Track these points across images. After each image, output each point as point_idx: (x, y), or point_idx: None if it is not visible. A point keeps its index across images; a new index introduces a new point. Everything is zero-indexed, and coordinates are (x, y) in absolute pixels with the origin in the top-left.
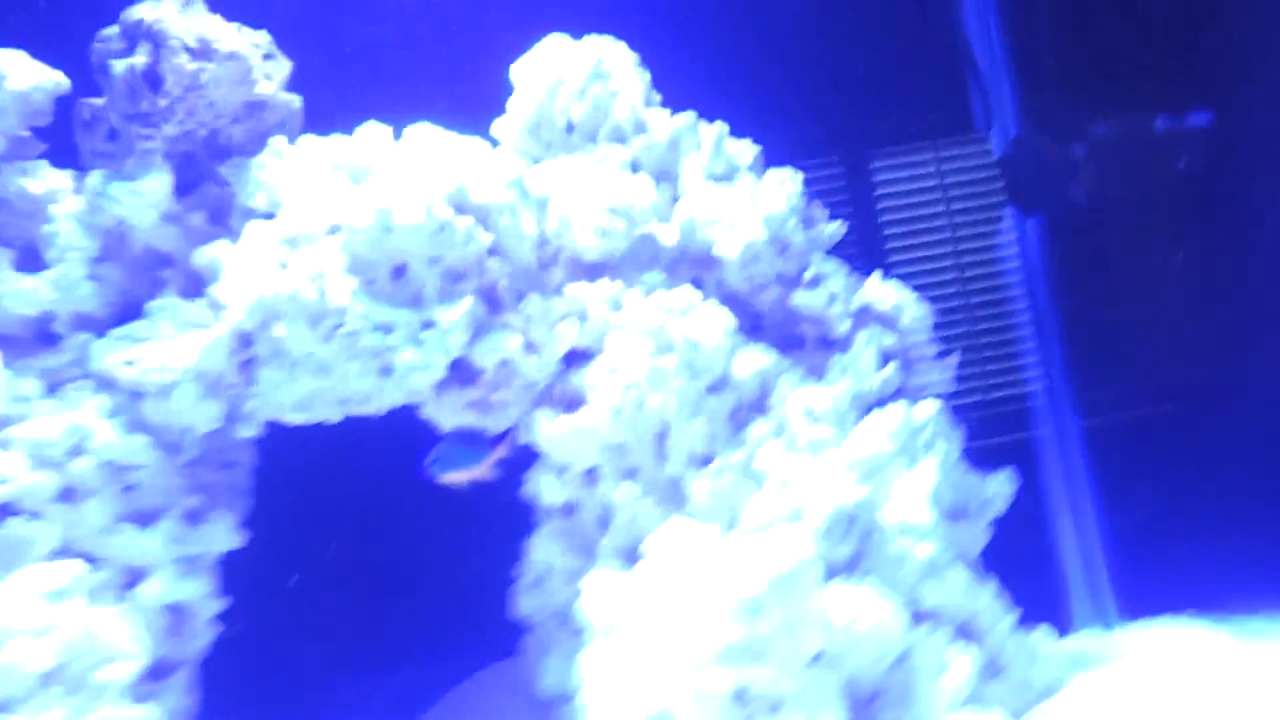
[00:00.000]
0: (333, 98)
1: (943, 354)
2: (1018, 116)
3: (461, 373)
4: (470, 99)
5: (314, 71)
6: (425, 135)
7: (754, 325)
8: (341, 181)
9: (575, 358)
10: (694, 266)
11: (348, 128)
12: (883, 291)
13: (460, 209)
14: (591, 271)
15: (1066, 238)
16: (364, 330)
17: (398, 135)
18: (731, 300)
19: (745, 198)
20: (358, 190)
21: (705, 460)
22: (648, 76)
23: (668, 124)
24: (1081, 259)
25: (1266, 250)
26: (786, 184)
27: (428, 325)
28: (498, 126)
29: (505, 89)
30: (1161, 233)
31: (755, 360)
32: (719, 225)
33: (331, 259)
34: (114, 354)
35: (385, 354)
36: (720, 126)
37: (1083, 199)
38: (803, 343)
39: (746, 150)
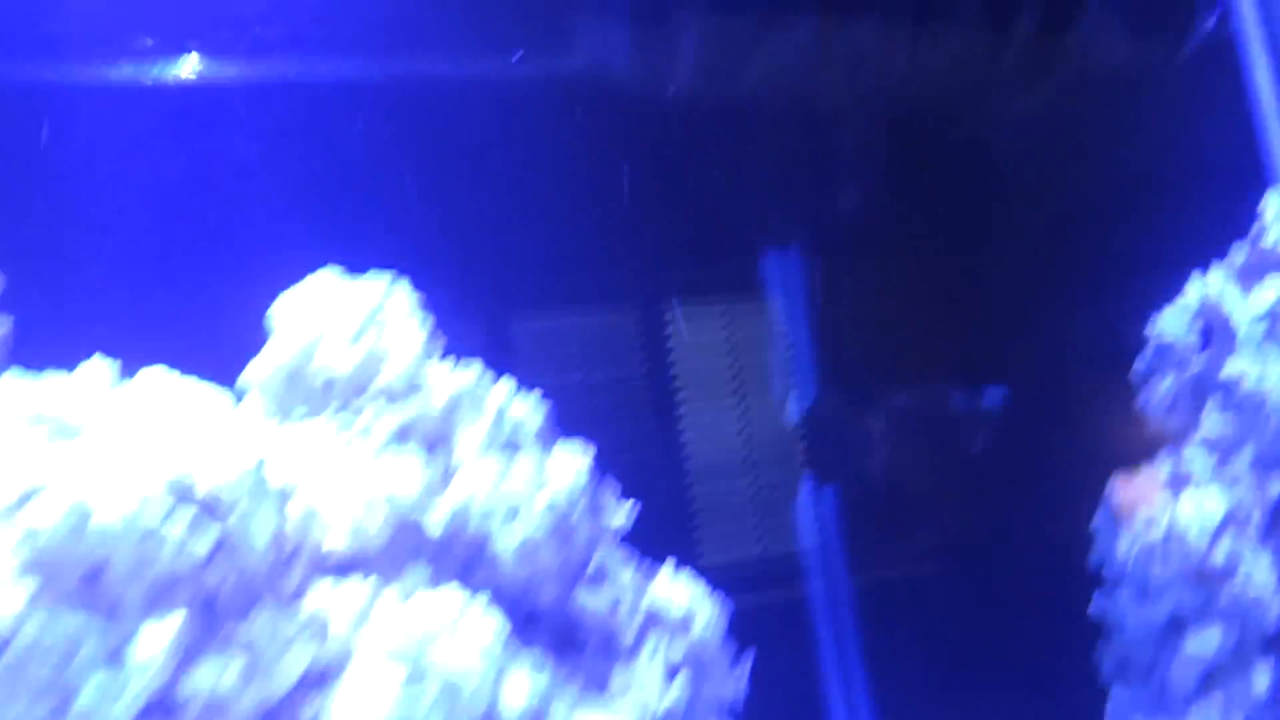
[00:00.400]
0: (57, 321)
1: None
2: (817, 382)
3: (164, 707)
4: (219, 336)
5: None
6: (156, 384)
7: (530, 625)
8: (39, 442)
9: (310, 684)
10: (464, 559)
11: (71, 360)
12: (673, 592)
13: (183, 497)
14: (341, 569)
15: (861, 508)
16: (40, 650)
17: (126, 373)
18: (505, 598)
19: (527, 477)
20: (55, 459)
21: None
22: (430, 322)
23: (447, 383)
24: (875, 528)
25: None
26: (574, 462)
27: (125, 644)
28: (247, 376)
29: (261, 329)
30: (952, 506)
31: (527, 685)
32: (495, 510)
33: (5, 553)
34: None
35: (66, 681)
36: (506, 388)
37: (880, 470)
38: (584, 646)
39: (532, 417)
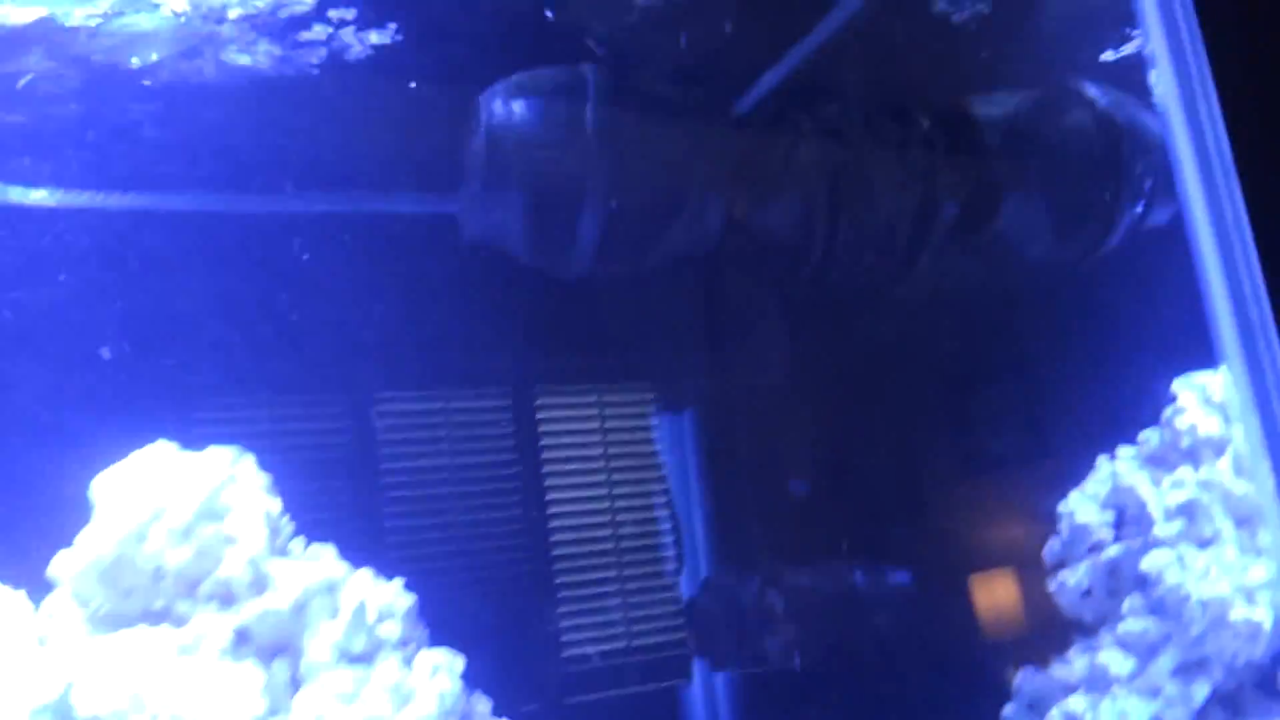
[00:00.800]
0: None
1: None
2: (711, 559)
3: None
4: (22, 515)
5: None
6: None
7: None
8: None
9: None
10: None
11: None
12: None
13: None
14: None
15: (758, 698)
16: None
17: None
18: None
19: (387, 691)
20: None
21: None
22: (278, 505)
23: (297, 576)
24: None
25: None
26: (441, 677)
27: None
28: (57, 567)
29: (83, 509)
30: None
31: None
32: None
33: None
34: None
35: None
36: (365, 579)
37: (778, 651)
38: None
39: (397, 612)
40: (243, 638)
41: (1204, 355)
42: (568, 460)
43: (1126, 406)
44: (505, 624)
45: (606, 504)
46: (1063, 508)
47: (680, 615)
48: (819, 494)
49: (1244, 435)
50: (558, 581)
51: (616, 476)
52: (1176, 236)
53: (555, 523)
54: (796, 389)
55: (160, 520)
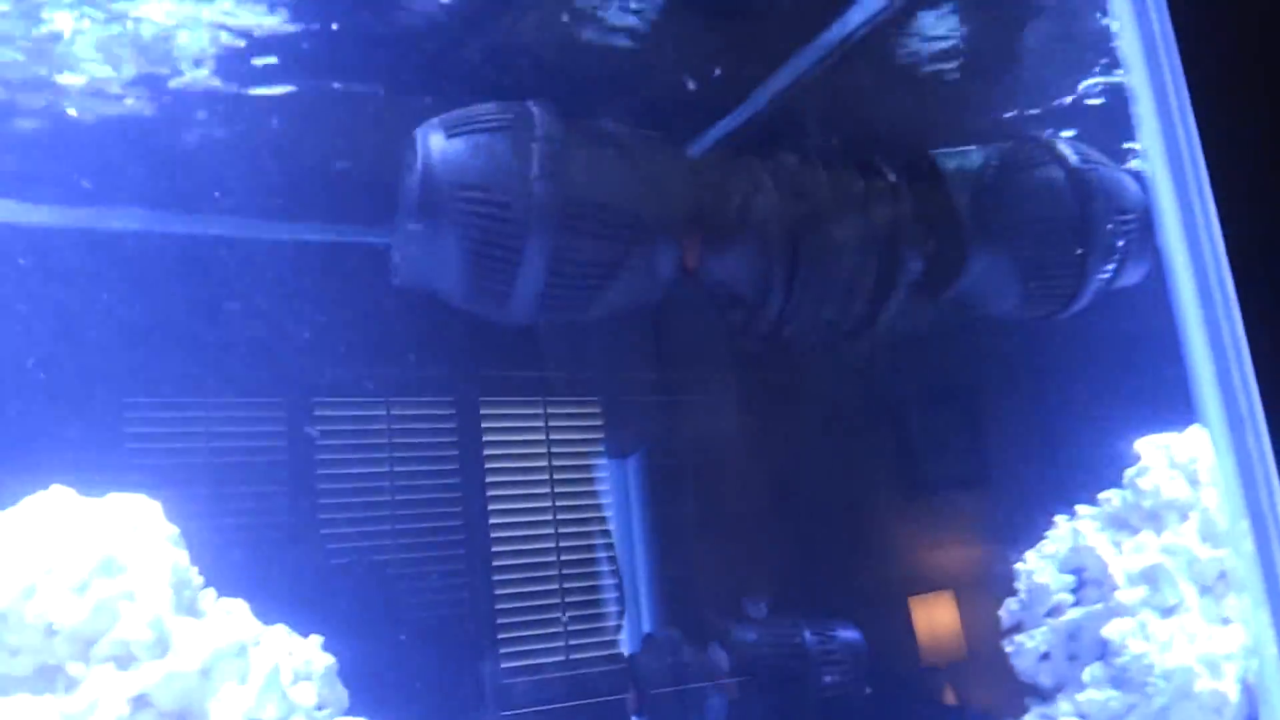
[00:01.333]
0: None
1: None
2: (654, 614)
3: None
4: None
5: None
6: None
7: None
8: None
9: None
10: None
11: None
12: None
13: None
14: None
15: None
16: None
17: None
18: None
19: None
20: None
21: None
22: (185, 557)
23: (203, 637)
24: None
25: None
26: None
27: None
28: None
29: None
30: None
31: None
32: None
33: None
34: None
35: None
36: (280, 636)
37: (722, 710)
38: None
39: (310, 687)
40: (141, 704)
41: (1168, 415)
42: (512, 511)
43: (1086, 465)
44: (437, 682)
45: (553, 557)
46: (1020, 567)
47: (621, 672)
48: (767, 548)
49: (1221, 497)
50: (496, 637)
51: (562, 530)
52: (1145, 295)
53: (496, 576)
54: (747, 442)
55: (53, 573)
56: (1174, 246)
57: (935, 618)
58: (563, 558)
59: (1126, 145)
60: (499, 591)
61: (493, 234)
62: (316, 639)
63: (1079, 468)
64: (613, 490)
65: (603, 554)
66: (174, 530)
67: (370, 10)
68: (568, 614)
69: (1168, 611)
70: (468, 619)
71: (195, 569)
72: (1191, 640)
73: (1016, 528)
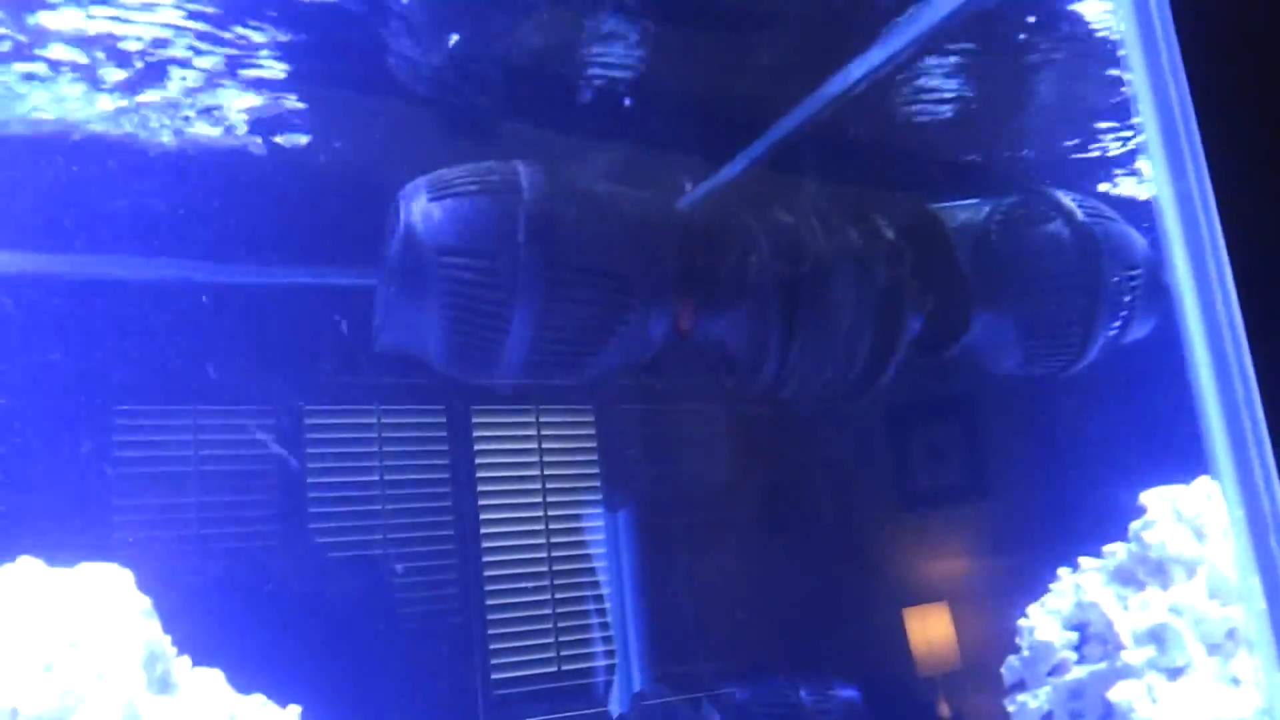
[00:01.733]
0: None
1: None
2: (644, 672)
3: None
4: None
5: None
6: None
7: None
8: None
9: None
10: None
11: None
12: None
13: None
14: None
15: None
16: None
17: None
18: None
19: None
20: None
21: None
22: (158, 630)
23: (176, 718)
24: None
25: None
26: None
27: None
28: None
29: None
30: None
31: None
32: None
33: None
34: None
35: None
36: (258, 713)
37: None
38: None
39: None
40: None
41: (1173, 468)
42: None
43: (1089, 517)
44: None
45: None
46: (1023, 623)
47: None
48: (762, 606)
49: (1232, 553)
50: (482, 697)
51: (558, 581)
52: (1152, 344)
53: (490, 630)
54: (740, 500)
55: (18, 654)
56: (1185, 296)
57: (935, 674)
58: (558, 608)
59: (1134, 197)
60: (494, 676)
61: (478, 300)
62: (294, 709)
63: (1080, 519)
64: (605, 547)
65: (593, 608)
66: (146, 602)
67: None
68: (560, 682)
69: (1174, 673)
70: (456, 675)
71: (169, 639)
72: (1201, 703)
73: (1017, 581)
